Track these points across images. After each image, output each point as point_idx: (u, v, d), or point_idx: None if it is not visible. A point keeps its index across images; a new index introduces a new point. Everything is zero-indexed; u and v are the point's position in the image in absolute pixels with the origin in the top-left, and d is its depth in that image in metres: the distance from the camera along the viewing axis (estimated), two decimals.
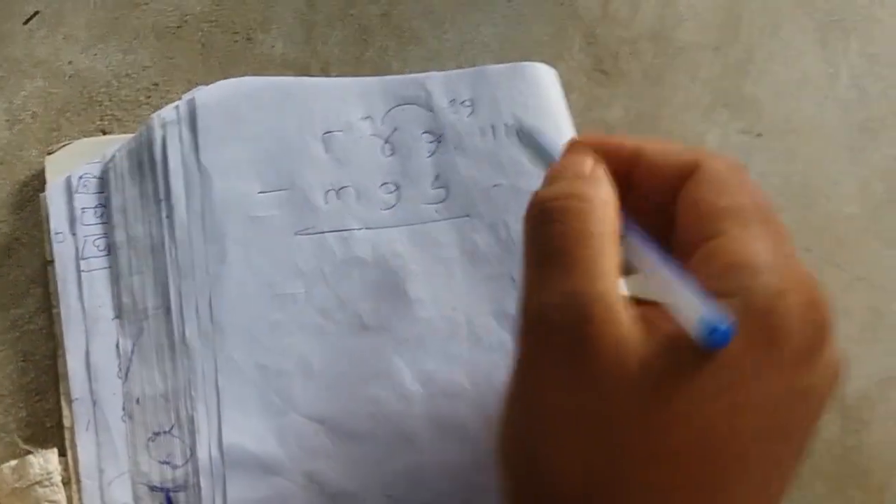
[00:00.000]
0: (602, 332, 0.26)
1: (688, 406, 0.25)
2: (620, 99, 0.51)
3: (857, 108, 0.52)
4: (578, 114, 0.50)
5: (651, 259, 0.29)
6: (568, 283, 0.27)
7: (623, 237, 0.30)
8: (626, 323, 0.27)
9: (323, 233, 0.42)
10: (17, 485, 0.39)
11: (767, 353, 0.26)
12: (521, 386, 0.29)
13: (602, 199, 0.30)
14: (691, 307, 0.26)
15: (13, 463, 0.39)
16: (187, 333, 0.40)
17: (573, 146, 0.33)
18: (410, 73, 0.50)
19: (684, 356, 0.26)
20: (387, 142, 0.44)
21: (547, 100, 0.45)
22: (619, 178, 0.31)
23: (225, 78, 0.47)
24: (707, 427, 0.25)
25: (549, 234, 0.29)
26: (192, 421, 0.39)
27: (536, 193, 0.31)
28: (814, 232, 0.49)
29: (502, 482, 0.30)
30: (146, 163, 0.43)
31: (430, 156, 0.44)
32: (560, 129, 0.44)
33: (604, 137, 0.33)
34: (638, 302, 0.28)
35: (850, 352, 0.46)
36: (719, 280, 0.27)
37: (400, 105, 0.45)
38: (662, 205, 0.31)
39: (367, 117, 0.44)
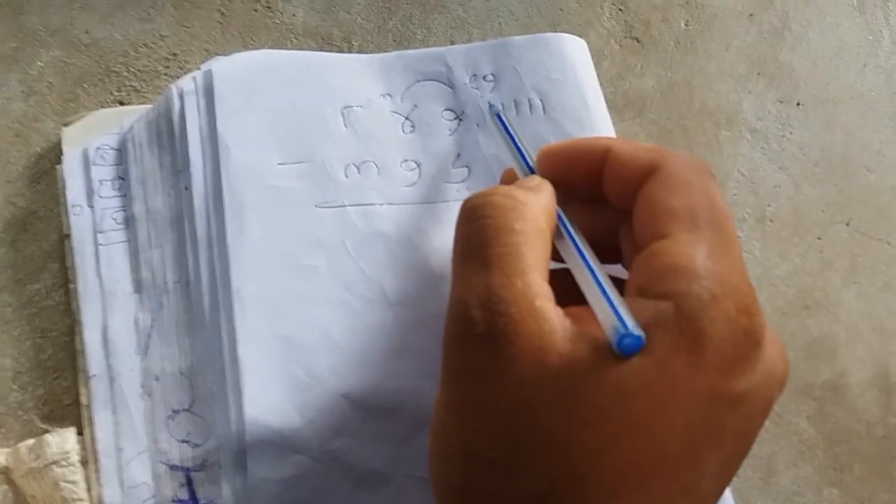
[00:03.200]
0: (521, 328, 0.27)
1: (607, 400, 0.26)
2: (653, 67, 0.49)
3: None
4: (610, 83, 0.48)
5: (579, 262, 0.30)
6: (486, 278, 0.28)
7: (560, 238, 0.32)
8: (551, 318, 0.27)
9: (344, 206, 0.41)
10: (34, 465, 0.38)
11: (693, 356, 0.26)
12: (443, 393, 0.29)
13: (533, 202, 0.30)
14: (607, 313, 0.27)
15: (30, 442, 0.39)
16: (207, 305, 0.39)
17: (540, 156, 0.35)
18: (435, 42, 0.48)
19: (606, 354, 0.26)
20: (407, 119, 0.43)
21: (573, 72, 0.43)
22: (593, 178, 0.33)
23: (244, 48, 0.47)
24: (628, 421, 0.26)
25: (471, 229, 0.30)
26: (212, 396, 0.38)
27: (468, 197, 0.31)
28: (854, 204, 0.48)
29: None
30: (165, 134, 0.42)
31: (451, 134, 0.43)
32: (587, 101, 0.43)
33: (575, 141, 0.34)
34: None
35: (894, 328, 0.45)
36: (657, 282, 0.27)
37: (420, 81, 0.44)
38: (627, 202, 0.32)
39: (386, 94, 0.43)
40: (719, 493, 0.29)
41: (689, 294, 0.26)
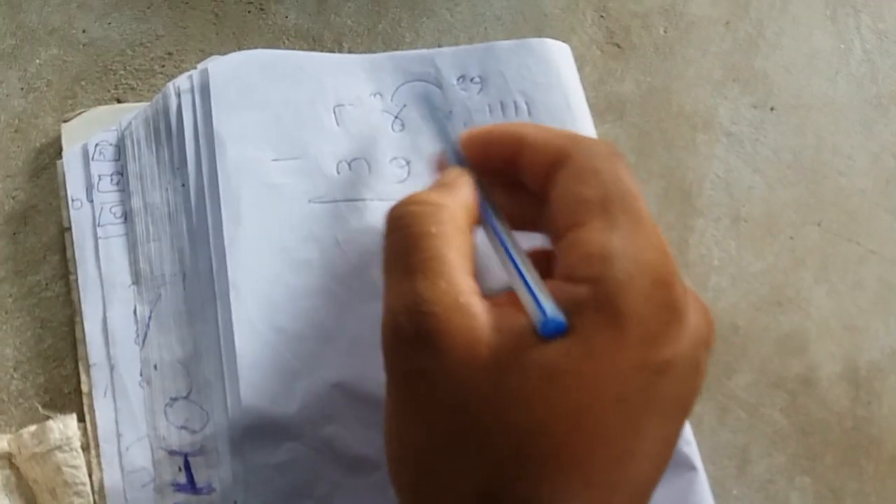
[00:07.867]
0: (447, 325, 0.28)
1: (536, 383, 0.27)
2: (632, 73, 0.51)
3: (868, 83, 0.52)
4: (592, 87, 0.50)
5: (503, 254, 0.31)
6: (410, 284, 0.29)
7: (485, 230, 0.32)
8: (476, 313, 0.28)
9: (336, 201, 0.42)
10: (37, 450, 0.39)
11: (615, 331, 0.27)
12: (388, 398, 0.31)
13: (448, 202, 0.31)
14: (529, 301, 0.28)
15: (33, 428, 0.40)
16: (204, 297, 0.40)
17: (462, 142, 0.35)
18: (423, 45, 0.50)
19: (531, 339, 0.27)
20: (396, 118, 0.44)
21: (557, 76, 0.45)
22: (510, 164, 0.33)
23: (238, 48, 0.48)
24: (559, 400, 0.27)
25: (392, 240, 0.31)
26: (209, 384, 0.39)
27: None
28: (826, 206, 0.49)
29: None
30: (162, 131, 0.43)
31: None
32: (570, 104, 0.44)
33: (490, 127, 0.35)
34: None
35: (863, 324, 0.47)
36: (575, 269, 0.29)
37: (409, 81, 0.45)
38: (542, 189, 0.32)
39: (377, 93, 0.44)
40: (667, 454, 0.30)
41: (604, 276, 0.28)
